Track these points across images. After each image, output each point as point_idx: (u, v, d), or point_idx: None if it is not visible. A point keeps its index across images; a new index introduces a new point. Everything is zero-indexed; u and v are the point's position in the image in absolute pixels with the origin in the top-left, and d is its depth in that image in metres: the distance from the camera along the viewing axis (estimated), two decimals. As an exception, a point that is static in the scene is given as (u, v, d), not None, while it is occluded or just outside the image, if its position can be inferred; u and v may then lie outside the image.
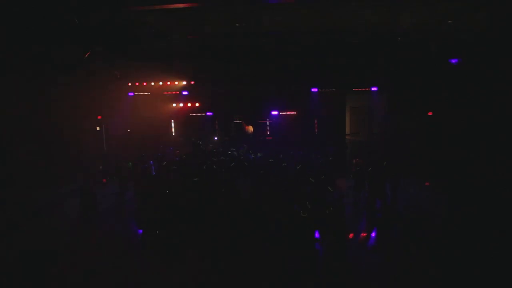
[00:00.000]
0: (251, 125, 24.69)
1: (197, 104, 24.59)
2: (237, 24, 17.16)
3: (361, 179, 14.99)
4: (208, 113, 24.73)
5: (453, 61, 18.13)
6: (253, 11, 15.31)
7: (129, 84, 22.77)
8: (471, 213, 13.16)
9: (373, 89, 21.46)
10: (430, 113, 20.03)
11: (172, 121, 25.59)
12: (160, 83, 22.75)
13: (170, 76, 22.59)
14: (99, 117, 21.40)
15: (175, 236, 11.49)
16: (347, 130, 24.15)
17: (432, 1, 13.21)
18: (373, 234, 12.34)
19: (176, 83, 22.88)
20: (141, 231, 12.85)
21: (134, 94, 23.26)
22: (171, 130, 25.74)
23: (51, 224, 13.19)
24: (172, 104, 24.70)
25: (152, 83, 22.74)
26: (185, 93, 23.21)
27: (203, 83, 22.71)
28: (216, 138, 24.77)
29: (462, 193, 15.00)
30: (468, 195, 14.58)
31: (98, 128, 21.49)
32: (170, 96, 23.70)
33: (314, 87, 21.89)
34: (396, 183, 14.68)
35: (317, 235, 10.78)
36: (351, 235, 12.00)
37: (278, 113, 23.94)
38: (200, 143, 21.75)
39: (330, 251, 10.32)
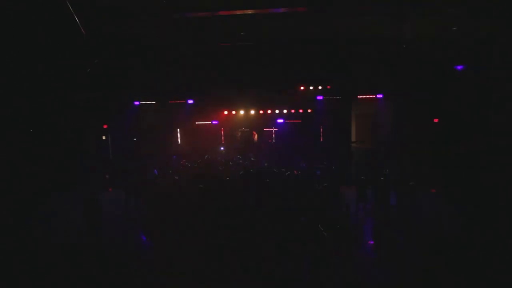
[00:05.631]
0: (256, 133, 24.73)
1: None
2: (242, 33, 17.29)
3: (366, 187, 14.90)
4: (214, 122, 24.73)
5: (459, 67, 18.02)
6: (259, 20, 15.41)
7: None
8: (476, 219, 13.07)
9: (378, 96, 21.34)
10: (436, 120, 19.87)
11: (178, 129, 25.61)
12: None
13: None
14: (105, 126, 21.51)
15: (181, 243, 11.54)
16: (353, 138, 24.00)
17: (436, 9, 13.17)
18: (379, 243, 12.24)
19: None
20: (145, 238, 12.94)
21: (140, 103, 23.37)
22: (177, 139, 25.75)
23: (56, 232, 13.24)
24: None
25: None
26: (190, 101, 23.28)
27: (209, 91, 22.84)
28: (222, 148, 24.76)
29: (468, 199, 14.88)
30: (475, 202, 14.45)
31: (104, 137, 21.59)
32: (175, 105, 23.77)
33: (320, 94, 21.83)
34: (402, 190, 14.55)
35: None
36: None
37: (284, 121, 23.86)
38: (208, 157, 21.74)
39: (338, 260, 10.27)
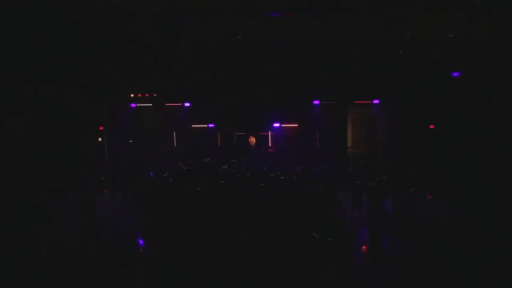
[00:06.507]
0: (254, 137, 24.80)
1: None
2: (239, 37, 17.36)
3: (360, 193, 14.95)
4: (210, 125, 24.73)
5: (455, 74, 18.22)
6: (255, 23, 15.48)
7: (132, 95, 22.91)
8: (476, 219, 13.21)
9: (374, 101, 21.50)
10: (432, 126, 20.05)
11: (174, 132, 25.60)
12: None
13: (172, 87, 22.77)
14: (101, 128, 21.41)
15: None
16: (349, 143, 24.15)
17: (433, 14, 13.33)
18: (374, 248, 12.32)
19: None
20: (142, 240, 12.91)
21: (136, 105, 23.35)
22: (173, 141, 25.74)
23: (51, 233, 13.13)
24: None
25: (155, 94, 22.87)
26: (187, 104, 23.32)
27: (205, 95, 22.89)
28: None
29: (468, 200, 15.04)
30: (475, 202, 14.61)
31: (100, 139, 21.48)
32: (172, 107, 23.81)
33: (316, 99, 21.95)
34: (398, 196, 14.62)
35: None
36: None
37: (280, 125, 23.93)
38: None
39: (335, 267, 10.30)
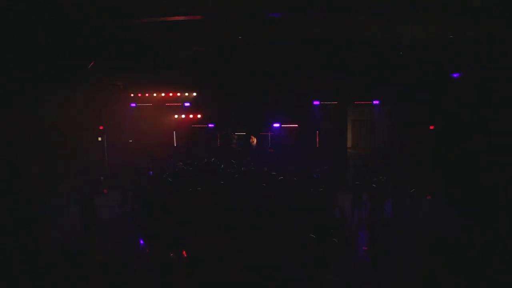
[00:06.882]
0: (255, 137, 24.82)
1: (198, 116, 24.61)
2: (239, 37, 17.35)
3: (360, 193, 14.94)
4: (210, 125, 24.72)
5: (455, 75, 18.22)
6: (254, 24, 15.47)
7: (131, 95, 22.93)
8: (476, 219, 13.22)
9: (374, 102, 21.47)
10: (432, 127, 20.04)
11: (174, 132, 25.62)
12: (163, 94, 22.87)
13: (173, 88, 22.77)
14: (101, 127, 21.41)
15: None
16: (349, 143, 24.12)
17: (433, 14, 13.31)
18: (374, 248, 12.32)
19: (179, 94, 23.06)
20: (142, 241, 12.91)
21: (136, 105, 23.36)
22: (173, 141, 25.75)
23: (51, 233, 13.15)
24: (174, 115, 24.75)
25: (155, 94, 22.88)
26: (187, 104, 23.32)
27: (205, 95, 22.91)
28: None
29: (468, 200, 15.06)
30: (475, 202, 14.62)
31: (99, 139, 21.48)
32: (172, 107, 23.82)
33: (316, 99, 21.92)
34: (398, 196, 14.61)
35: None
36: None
37: (280, 126, 23.91)
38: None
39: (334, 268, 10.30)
